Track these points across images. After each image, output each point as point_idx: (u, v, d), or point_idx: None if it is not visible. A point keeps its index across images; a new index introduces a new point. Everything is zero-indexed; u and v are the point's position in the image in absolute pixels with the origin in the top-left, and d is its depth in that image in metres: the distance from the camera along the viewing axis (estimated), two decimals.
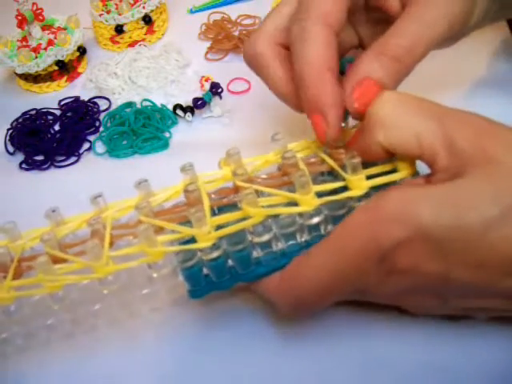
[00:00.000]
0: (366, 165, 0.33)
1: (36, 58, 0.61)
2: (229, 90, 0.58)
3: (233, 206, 0.35)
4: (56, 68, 0.62)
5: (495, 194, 0.28)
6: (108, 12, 0.65)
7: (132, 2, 0.65)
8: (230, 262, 0.34)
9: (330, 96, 0.34)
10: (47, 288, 0.34)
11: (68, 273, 0.34)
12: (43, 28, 0.63)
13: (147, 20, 0.65)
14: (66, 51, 0.62)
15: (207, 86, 0.57)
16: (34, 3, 0.61)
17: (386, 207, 0.29)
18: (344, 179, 0.34)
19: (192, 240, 0.33)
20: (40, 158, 0.56)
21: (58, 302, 0.34)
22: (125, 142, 0.56)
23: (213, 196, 0.36)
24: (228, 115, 0.56)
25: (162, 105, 0.58)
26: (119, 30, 0.65)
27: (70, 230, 0.36)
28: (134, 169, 0.53)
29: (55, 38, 0.62)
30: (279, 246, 0.34)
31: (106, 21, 0.65)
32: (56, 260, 0.34)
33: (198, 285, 0.35)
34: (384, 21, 0.39)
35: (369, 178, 0.33)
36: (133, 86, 0.61)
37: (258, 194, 0.34)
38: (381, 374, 0.36)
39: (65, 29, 0.64)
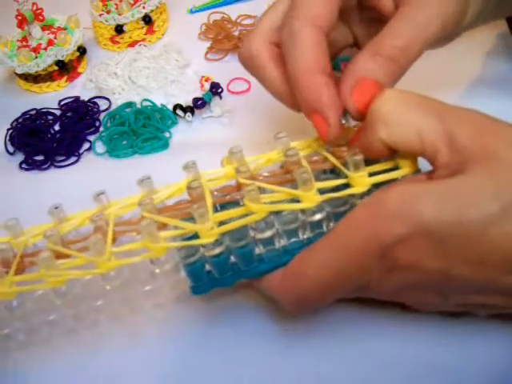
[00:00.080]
0: (368, 162, 0.33)
1: (36, 57, 0.61)
2: (229, 90, 0.59)
3: (235, 204, 0.35)
4: (56, 68, 0.62)
5: (496, 190, 0.28)
6: (108, 12, 0.65)
7: (132, 1, 0.65)
8: (233, 259, 0.34)
9: (326, 97, 0.34)
10: (49, 283, 0.34)
11: (70, 268, 0.34)
12: (43, 28, 0.63)
13: (147, 20, 0.65)
14: (66, 51, 0.62)
15: (207, 85, 0.58)
16: (34, 3, 0.61)
17: (387, 203, 0.30)
18: (346, 176, 0.34)
19: (194, 236, 0.33)
20: (40, 157, 0.56)
21: (60, 297, 0.34)
22: (125, 142, 0.56)
23: (215, 193, 0.36)
24: (228, 115, 0.56)
25: (162, 105, 0.58)
26: (119, 30, 0.65)
27: (72, 227, 0.36)
28: (134, 169, 0.53)
29: (55, 37, 0.62)
30: (281, 242, 0.34)
31: (106, 21, 0.65)
32: (59, 256, 0.34)
33: (201, 281, 0.35)
34: (378, 20, 0.39)
35: (371, 175, 0.33)
36: (133, 86, 0.61)
37: (260, 190, 0.34)
38: (383, 372, 0.36)
39: (65, 29, 0.64)
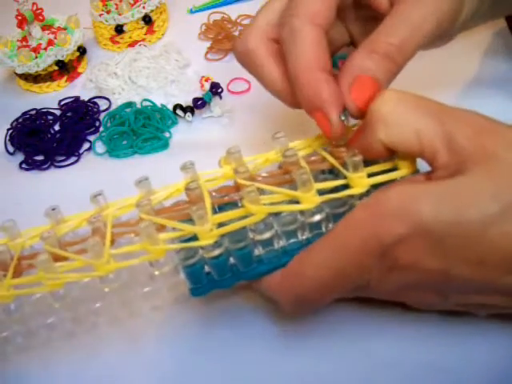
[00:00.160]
0: (367, 163, 0.33)
1: (36, 57, 0.61)
2: (229, 90, 0.59)
3: (234, 205, 0.35)
4: (56, 68, 0.62)
5: (495, 190, 0.28)
6: (108, 12, 0.65)
7: (132, 1, 0.65)
8: (232, 260, 0.34)
9: (326, 93, 0.34)
10: (48, 286, 0.33)
11: (69, 271, 0.34)
12: (43, 28, 0.63)
13: (147, 20, 0.65)
14: (66, 51, 0.62)
15: (207, 86, 0.57)
16: (34, 3, 0.61)
17: (387, 203, 0.30)
18: (345, 177, 0.34)
19: (193, 238, 0.33)
20: (40, 157, 0.56)
21: (58, 300, 0.34)
22: (125, 142, 0.56)
23: (214, 194, 0.36)
24: (228, 115, 0.56)
25: (162, 105, 0.58)
26: (119, 30, 0.65)
27: (70, 229, 0.36)
28: (134, 169, 0.53)
29: (55, 37, 0.62)
30: (280, 243, 0.34)
31: (106, 21, 0.65)
32: (56, 258, 0.34)
33: (200, 283, 0.35)
34: (374, 18, 0.39)
35: (370, 175, 0.33)
36: (133, 86, 0.61)
37: (259, 192, 0.34)
38: (383, 372, 0.36)
39: (65, 29, 0.64)
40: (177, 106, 0.57)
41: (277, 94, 0.39)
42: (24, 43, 0.62)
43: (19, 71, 0.61)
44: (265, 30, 0.38)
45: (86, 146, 0.57)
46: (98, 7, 0.65)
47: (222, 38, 0.64)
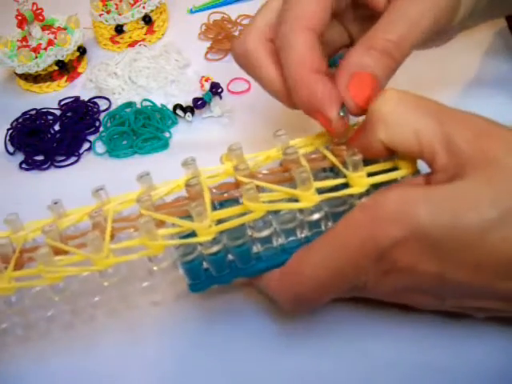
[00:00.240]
0: (367, 162, 0.33)
1: (36, 57, 0.61)
2: (229, 90, 0.59)
3: (234, 201, 0.35)
4: (56, 68, 0.62)
5: (494, 196, 0.28)
6: (108, 12, 0.65)
7: (132, 1, 0.65)
8: (230, 257, 0.34)
9: (320, 93, 0.34)
10: (48, 279, 0.34)
11: (69, 265, 0.34)
12: (43, 28, 0.63)
13: (147, 20, 0.65)
14: (66, 51, 0.62)
15: (207, 86, 0.57)
16: (34, 3, 0.62)
17: (385, 206, 0.30)
18: (345, 176, 0.34)
19: (192, 234, 0.33)
20: (40, 157, 0.56)
21: (58, 294, 0.35)
22: (125, 142, 0.56)
23: (214, 191, 0.36)
24: (228, 115, 0.56)
25: (162, 105, 0.58)
26: (119, 30, 0.65)
27: (71, 223, 0.36)
28: (134, 169, 0.52)
29: (55, 37, 0.62)
30: (279, 241, 0.34)
31: (106, 21, 0.65)
32: (57, 252, 0.34)
33: (198, 279, 0.35)
34: (372, 17, 0.39)
35: (370, 175, 0.33)
36: (133, 86, 0.61)
37: (259, 189, 0.34)
38: (381, 372, 0.36)
39: (65, 29, 0.64)
40: (177, 106, 0.57)
41: (275, 95, 0.39)
42: (24, 43, 0.62)
43: (19, 71, 0.61)
44: (263, 30, 0.38)
45: (86, 146, 0.57)
46: (98, 7, 0.65)
47: (222, 38, 0.64)
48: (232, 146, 0.37)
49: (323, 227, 0.34)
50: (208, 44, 0.64)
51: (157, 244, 0.33)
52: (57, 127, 0.59)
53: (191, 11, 0.70)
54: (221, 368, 0.38)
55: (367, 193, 0.33)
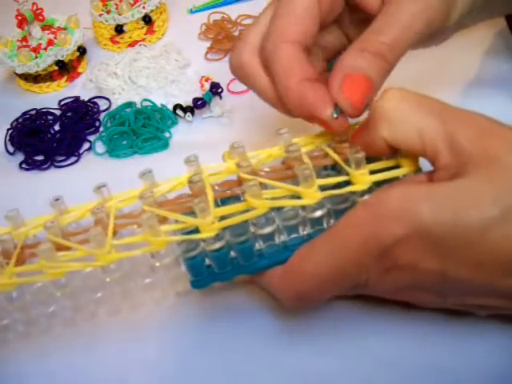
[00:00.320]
0: (369, 160, 0.33)
1: (36, 57, 0.61)
2: (229, 90, 0.58)
3: (236, 199, 0.35)
4: (56, 68, 0.62)
5: (496, 194, 0.28)
6: (108, 12, 0.65)
7: (132, 1, 0.65)
8: (233, 254, 0.34)
9: (313, 97, 0.35)
10: (49, 275, 0.34)
11: (71, 260, 0.34)
12: (43, 28, 0.63)
13: (147, 20, 0.65)
14: (66, 51, 0.62)
15: (207, 86, 0.58)
16: (34, 3, 0.62)
17: (387, 204, 0.30)
18: (347, 173, 0.34)
19: (195, 230, 0.33)
20: (40, 157, 0.56)
21: (60, 289, 0.35)
22: (125, 142, 0.56)
23: (216, 188, 0.36)
24: (228, 115, 0.56)
25: (162, 105, 0.58)
26: (119, 30, 0.65)
27: (73, 219, 0.36)
28: (134, 169, 0.52)
29: (55, 38, 0.62)
30: (282, 238, 0.34)
31: (106, 21, 0.65)
32: (59, 248, 0.34)
33: (200, 275, 0.35)
34: (368, 20, 0.39)
35: (372, 172, 0.33)
36: (133, 86, 0.61)
37: (262, 186, 0.34)
38: (382, 369, 0.36)
39: (65, 29, 0.64)
40: (177, 106, 0.57)
41: (270, 103, 0.40)
42: (24, 43, 0.62)
43: (19, 71, 0.61)
44: (255, 45, 0.39)
45: (86, 146, 0.57)
46: (98, 7, 0.65)
47: (222, 38, 0.64)
48: (234, 143, 0.37)
49: (325, 224, 0.34)
50: (208, 44, 0.64)
51: (159, 240, 0.33)
52: (57, 127, 0.59)
53: (191, 11, 0.70)
54: (222, 365, 0.38)
55: (369, 190, 0.33)
